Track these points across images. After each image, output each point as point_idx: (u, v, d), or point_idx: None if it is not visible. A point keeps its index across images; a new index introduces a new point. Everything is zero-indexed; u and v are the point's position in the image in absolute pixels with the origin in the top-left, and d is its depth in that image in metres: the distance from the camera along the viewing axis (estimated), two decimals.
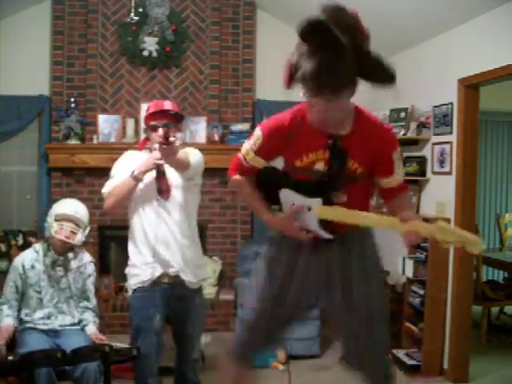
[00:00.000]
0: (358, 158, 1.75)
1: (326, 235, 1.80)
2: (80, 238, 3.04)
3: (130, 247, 2.74)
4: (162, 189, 2.64)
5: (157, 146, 2.55)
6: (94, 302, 3.16)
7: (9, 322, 2.91)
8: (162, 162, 2.54)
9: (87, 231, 3.12)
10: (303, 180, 1.81)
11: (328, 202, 1.76)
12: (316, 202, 1.78)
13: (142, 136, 2.87)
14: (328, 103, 1.58)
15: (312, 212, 1.79)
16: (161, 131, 2.44)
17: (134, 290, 2.67)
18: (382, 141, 1.77)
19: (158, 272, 2.63)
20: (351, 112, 1.75)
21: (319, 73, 1.49)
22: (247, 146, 1.92)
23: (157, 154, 2.52)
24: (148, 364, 2.68)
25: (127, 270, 2.74)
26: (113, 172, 2.74)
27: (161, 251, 2.62)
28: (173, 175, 2.66)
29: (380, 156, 1.77)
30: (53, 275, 3.02)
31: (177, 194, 2.67)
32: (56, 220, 2.99)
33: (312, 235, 1.81)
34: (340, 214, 1.74)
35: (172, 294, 2.67)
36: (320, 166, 1.76)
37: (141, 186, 2.63)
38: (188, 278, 2.68)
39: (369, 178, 1.83)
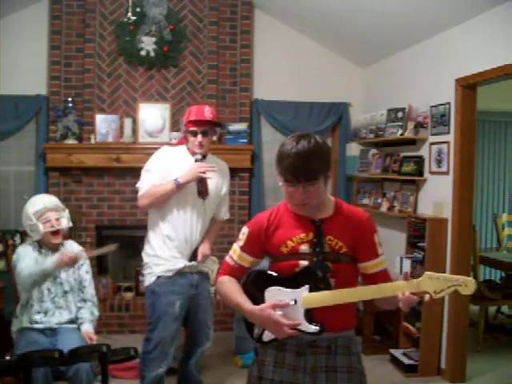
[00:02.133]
0: (341, 237, 1.81)
1: (312, 328, 1.74)
2: (65, 222, 3.09)
3: (155, 240, 2.91)
4: (202, 190, 2.86)
5: (199, 156, 2.85)
6: (90, 291, 3.14)
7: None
8: (207, 176, 2.78)
9: (67, 213, 3.15)
10: (289, 274, 1.80)
11: (316, 287, 1.75)
12: (302, 292, 1.75)
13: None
14: (305, 189, 1.74)
15: (298, 304, 1.75)
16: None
17: (158, 277, 2.86)
18: (362, 224, 1.87)
19: (182, 263, 2.87)
20: (331, 202, 1.89)
21: (295, 164, 1.71)
22: (235, 245, 1.96)
23: (201, 166, 2.78)
24: (164, 350, 2.85)
25: (148, 260, 2.93)
26: (149, 166, 2.91)
27: (189, 248, 2.90)
28: (212, 180, 2.90)
29: (362, 237, 1.84)
30: None
31: (212, 196, 2.94)
32: (38, 218, 3.00)
33: (296, 333, 1.74)
34: (328, 298, 1.72)
35: (191, 280, 2.92)
36: (305, 248, 1.79)
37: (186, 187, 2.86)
38: (201, 267, 2.98)
39: (354, 261, 1.84)
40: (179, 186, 2.76)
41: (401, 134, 4.36)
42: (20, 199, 5.01)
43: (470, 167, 3.86)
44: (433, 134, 4.14)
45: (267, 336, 1.83)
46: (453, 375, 3.85)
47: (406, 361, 4.00)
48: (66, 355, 2.54)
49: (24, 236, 4.72)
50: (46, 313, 2.98)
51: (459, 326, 3.86)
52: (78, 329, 3.04)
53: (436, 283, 1.62)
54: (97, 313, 3.15)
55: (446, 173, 3.94)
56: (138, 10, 4.78)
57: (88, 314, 3.09)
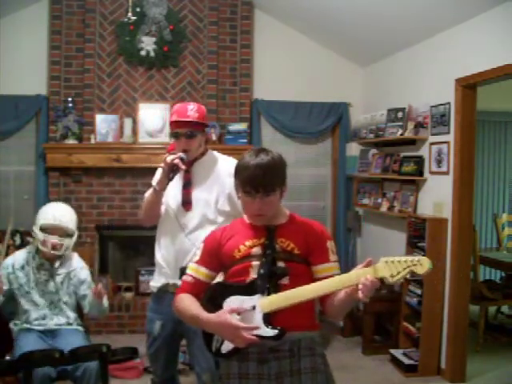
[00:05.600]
0: (293, 240, 1.84)
1: (271, 332, 1.71)
2: (67, 245, 3.00)
3: (155, 256, 2.67)
4: (185, 200, 2.52)
5: (170, 157, 2.43)
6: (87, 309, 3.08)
7: None
8: (177, 161, 2.40)
9: (75, 237, 3.06)
10: (246, 282, 1.80)
11: (273, 289, 1.75)
12: (260, 297, 1.75)
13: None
14: (262, 200, 1.80)
15: (256, 310, 1.74)
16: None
17: (151, 293, 2.67)
18: (316, 230, 1.90)
19: (164, 281, 2.57)
20: (286, 213, 1.95)
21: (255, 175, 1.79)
22: (190, 263, 1.99)
23: (169, 157, 2.41)
24: (154, 365, 2.70)
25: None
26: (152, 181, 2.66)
27: (173, 265, 2.53)
28: (201, 189, 2.52)
29: (315, 241, 1.86)
30: (38, 278, 3.00)
31: (199, 207, 2.51)
32: (42, 229, 2.94)
33: (256, 340, 1.70)
34: (286, 298, 1.71)
35: None
36: (257, 250, 1.83)
37: (170, 196, 2.55)
38: None
39: (308, 264, 1.85)
40: (154, 189, 2.49)
41: (401, 134, 4.36)
42: (20, 199, 5.05)
43: (470, 167, 3.86)
44: (433, 134, 4.14)
45: (226, 347, 1.78)
46: (453, 375, 3.85)
47: (406, 361, 4.00)
48: (67, 355, 2.55)
49: (24, 236, 4.72)
50: (44, 318, 2.98)
51: (459, 326, 3.86)
52: (78, 330, 3.04)
53: (392, 267, 1.61)
54: (106, 304, 3.07)
55: (446, 173, 3.94)
56: (138, 9, 4.78)
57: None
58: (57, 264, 3.03)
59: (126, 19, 4.59)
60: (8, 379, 2.72)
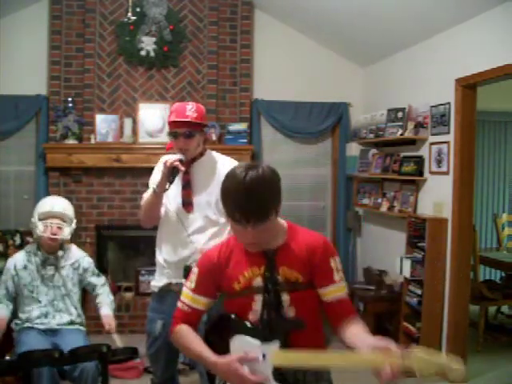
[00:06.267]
0: (296, 267, 1.69)
1: None
2: (67, 232, 3.07)
3: (156, 254, 2.67)
4: (185, 202, 2.52)
5: (168, 158, 2.44)
6: (102, 280, 3.20)
7: (1, 313, 2.94)
8: (176, 163, 2.40)
9: (74, 225, 3.14)
10: (255, 322, 1.68)
11: (284, 339, 1.62)
12: (272, 346, 1.61)
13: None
14: (255, 228, 1.59)
15: (266, 359, 1.60)
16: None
17: (152, 293, 2.67)
18: (317, 248, 1.71)
19: (162, 282, 2.58)
20: (283, 229, 1.76)
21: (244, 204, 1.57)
22: (185, 289, 1.81)
23: (170, 158, 2.41)
24: (154, 365, 2.71)
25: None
26: (149, 181, 2.64)
27: (167, 266, 2.56)
28: (201, 190, 2.53)
29: (317, 262, 1.70)
30: (44, 274, 3.03)
31: (200, 209, 2.52)
32: (40, 219, 3.01)
33: None
34: (300, 359, 1.57)
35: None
36: (258, 282, 1.69)
37: (170, 197, 2.55)
38: None
39: (312, 287, 1.71)
40: (154, 191, 2.47)
41: (401, 134, 4.36)
42: (20, 199, 5.05)
43: (470, 167, 3.86)
44: (433, 134, 4.14)
45: None
46: None
47: None
48: (67, 355, 2.55)
49: (24, 236, 4.72)
50: (46, 316, 2.99)
51: (459, 326, 3.86)
52: (79, 329, 3.05)
53: (422, 363, 1.43)
54: (112, 297, 3.20)
55: (446, 173, 3.94)
56: (138, 10, 4.79)
57: (106, 297, 3.14)
58: (60, 253, 3.06)
59: (126, 19, 4.59)
60: (8, 379, 2.73)
